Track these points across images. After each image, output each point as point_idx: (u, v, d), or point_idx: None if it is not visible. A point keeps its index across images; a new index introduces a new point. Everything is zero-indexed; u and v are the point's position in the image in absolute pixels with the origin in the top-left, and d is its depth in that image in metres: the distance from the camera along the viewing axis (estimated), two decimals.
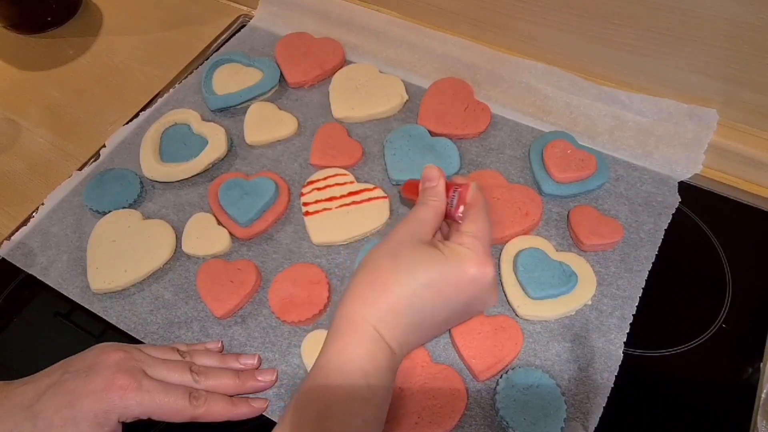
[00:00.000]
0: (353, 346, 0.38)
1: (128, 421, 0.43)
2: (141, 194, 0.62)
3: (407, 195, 0.47)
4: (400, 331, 0.39)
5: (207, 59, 0.74)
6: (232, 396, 0.48)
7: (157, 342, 0.53)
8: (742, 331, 0.51)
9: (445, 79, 0.67)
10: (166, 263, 0.57)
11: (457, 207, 0.43)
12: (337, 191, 0.59)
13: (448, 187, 0.44)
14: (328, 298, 0.53)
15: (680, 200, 0.58)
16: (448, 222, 0.46)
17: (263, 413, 0.48)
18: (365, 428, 0.36)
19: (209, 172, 0.63)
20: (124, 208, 0.60)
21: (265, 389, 0.50)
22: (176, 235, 0.59)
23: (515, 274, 0.53)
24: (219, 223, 0.59)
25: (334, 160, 0.62)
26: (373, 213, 0.57)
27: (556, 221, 0.57)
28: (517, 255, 0.54)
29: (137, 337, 0.54)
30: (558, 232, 0.57)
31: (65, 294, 0.57)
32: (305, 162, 0.63)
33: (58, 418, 0.41)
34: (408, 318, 0.39)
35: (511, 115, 0.65)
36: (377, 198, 0.58)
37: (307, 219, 0.58)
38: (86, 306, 0.56)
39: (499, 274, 0.54)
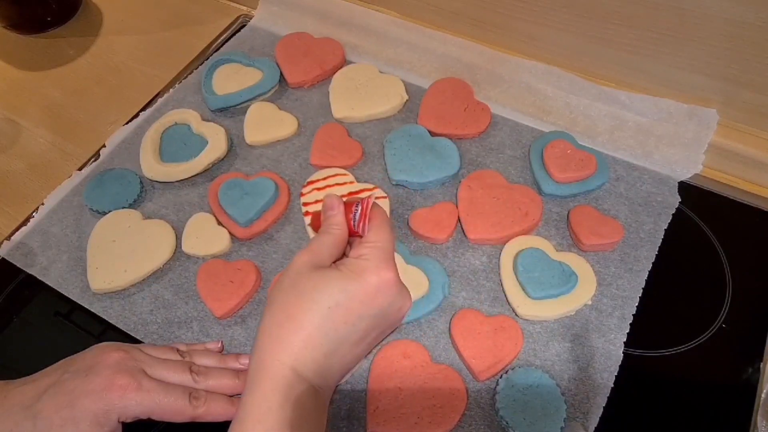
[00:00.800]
0: (272, 394, 0.36)
1: (128, 421, 0.43)
2: (141, 194, 0.62)
3: (314, 228, 0.47)
4: (319, 364, 0.38)
5: (207, 59, 0.74)
6: (232, 396, 0.48)
7: (156, 342, 0.53)
8: (742, 331, 0.51)
9: (445, 79, 0.67)
10: (166, 263, 0.57)
11: (359, 223, 0.42)
12: (336, 191, 0.59)
13: (348, 207, 0.44)
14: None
15: (680, 200, 0.58)
16: (350, 242, 0.45)
17: None
18: None
19: (209, 172, 0.63)
20: (124, 208, 0.60)
21: None
22: (176, 235, 0.59)
23: (515, 274, 0.53)
24: (219, 223, 0.59)
25: (334, 160, 0.62)
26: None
27: (556, 221, 0.57)
28: (517, 255, 0.54)
29: (137, 337, 0.54)
30: (558, 232, 0.57)
31: (65, 294, 0.57)
32: (305, 162, 0.63)
33: (58, 417, 0.41)
34: (325, 346, 0.38)
35: (511, 115, 0.65)
36: (378, 198, 0.58)
37: (307, 218, 0.58)
38: (86, 306, 0.56)
39: (498, 274, 0.54)
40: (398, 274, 0.40)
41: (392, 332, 0.45)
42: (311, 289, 0.39)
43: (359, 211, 0.43)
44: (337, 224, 0.43)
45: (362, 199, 0.43)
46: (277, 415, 0.36)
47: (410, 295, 0.42)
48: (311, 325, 0.38)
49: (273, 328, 0.39)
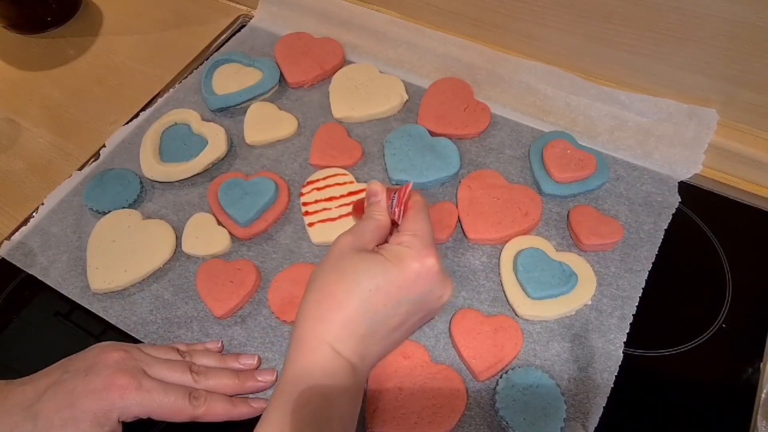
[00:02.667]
0: (311, 367, 0.37)
1: (128, 420, 0.43)
2: (141, 194, 0.62)
3: (355, 215, 0.48)
4: (357, 342, 0.38)
5: (207, 59, 0.74)
6: (232, 396, 0.48)
7: (156, 342, 0.53)
8: (742, 331, 0.51)
9: (445, 79, 0.67)
10: (166, 263, 0.57)
11: (396, 209, 0.43)
12: (336, 191, 0.59)
13: (389, 193, 0.44)
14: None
15: (680, 200, 0.58)
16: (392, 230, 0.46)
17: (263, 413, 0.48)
18: None
19: (209, 172, 0.63)
20: (124, 208, 0.60)
21: (265, 389, 0.50)
22: (176, 235, 0.59)
23: (515, 274, 0.53)
24: (219, 223, 0.59)
25: (334, 160, 0.62)
26: None
27: (556, 221, 0.57)
28: (517, 255, 0.54)
29: (137, 337, 0.54)
30: (558, 232, 0.57)
31: (65, 294, 0.57)
32: (305, 162, 0.63)
33: (58, 417, 0.41)
34: (363, 328, 0.38)
35: (511, 115, 0.65)
36: None
37: (307, 218, 0.58)
38: (86, 306, 0.56)
39: (499, 274, 0.54)
40: (440, 262, 0.41)
41: (431, 319, 0.45)
42: (353, 270, 0.39)
43: (396, 198, 0.43)
44: (380, 210, 0.44)
45: (401, 186, 0.44)
46: (317, 387, 0.37)
47: (452, 283, 0.42)
48: (351, 306, 0.38)
49: (314, 306, 0.39)
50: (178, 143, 0.65)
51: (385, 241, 0.44)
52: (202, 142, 0.64)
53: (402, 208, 0.43)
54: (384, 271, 0.39)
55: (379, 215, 0.43)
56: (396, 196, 0.43)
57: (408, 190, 0.43)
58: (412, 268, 0.39)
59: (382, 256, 0.40)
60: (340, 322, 0.38)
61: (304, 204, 0.59)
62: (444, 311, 0.50)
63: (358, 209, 0.46)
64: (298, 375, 0.38)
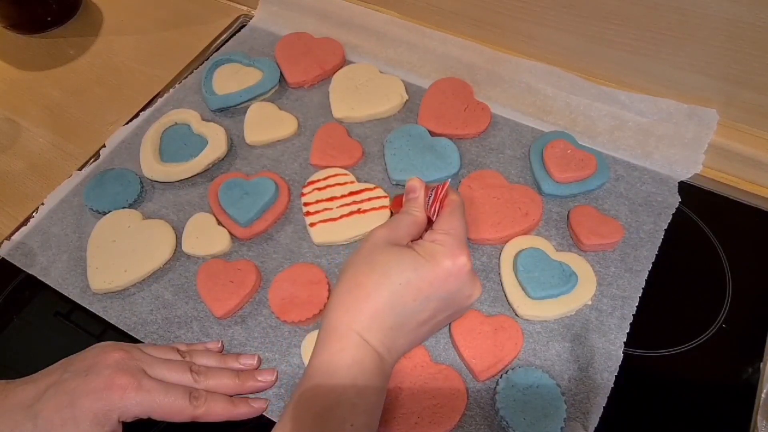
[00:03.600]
0: (340, 354, 0.38)
1: (128, 420, 0.43)
2: (141, 194, 0.62)
3: (395, 208, 0.48)
4: (385, 334, 0.39)
5: (207, 59, 0.74)
6: (232, 396, 0.48)
7: (156, 342, 0.53)
8: (742, 331, 0.51)
9: (445, 79, 0.67)
10: (166, 263, 0.57)
11: (432, 206, 0.43)
12: (337, 191, 0.59)
13: (427, 191, 0.45)
14: (328, 298, 0.53)
15: (680, 200, 0.58)
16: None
17: (263, 413, 0.48)
18: None
19: (209, 172, 0.63)
20: (124, 208, 0.60)
21: (265, 389, 0.50)
22: (176, 235, 0.59)
23: (515, 274, 0.53)
24: (219, 223, 0.59)
25: (334, 160, 0.62)
26: (374, 217, 0.57)
27: (556, 221, 0.57)
28: (517, 255, 0.54)
29: (137, 337, 0.54)
30: (558, 232, 0.57)
31: (65, 294, 0.57)
32: (305, 162, 0.63)
33: (59, 417, 0.41)
34: (391, 320, 0.39)
35: (511, 115, 0.65)
36: (378, 198, 0.58)
37: (308, 218, 0.58)
38: (86, 306, 0.56)
39: (499, 274, 0.54)
40: (471, 262, 0.41)
41: (458, 318, 0.45)
42: (384, 263, 0.40)
43: (433, 196, 0.44)
44: (417, 206, 0.44)
45: (439, 185, 0.44)
46: (344, 372, 0.37)
47: (481, 285, 0.43)
48: (380, 298, 0.39)
49: (344, 296, 0.40)
50: (178, 143, 0.65)
51: (420, 237, 0.44)
52: (202, 142, 0.64)
53: (438, 205, 0.43)
54: (415, 266, 0.39)
55: (416, 211, 0.44)
56: (433, 193, 0.44)
57: (445, 188, 0.44)
58: (444, 265, 0.40)
59: (414, 252, 0.40)
60: (368, 313, 0.38)
61: (305, 204, 0.59)
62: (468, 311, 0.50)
63: (397, 204, 0.47)
64: (327, 361, 0.38)
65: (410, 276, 0.39)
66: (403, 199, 0.46)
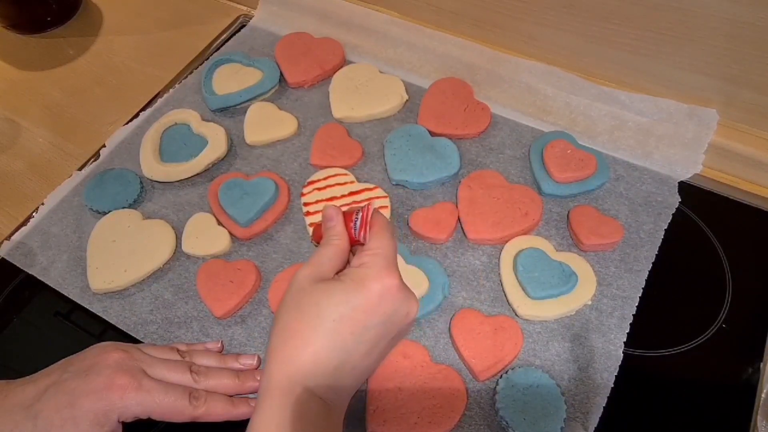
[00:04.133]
0: (282, 413, 0.36)
1: (128, 420, 0.43)
2: (141, 194, 0.62)
3: (315, 240, 0.47)
4: (330, 378, 0.38)
5: (207, 59, 0.74)
6: (231, 396, 0.48)
7: (156, 342, 0.53)
8: (742, 331, 0.51)
9: (445, 79, 0.67)
10: (166, 263, 0.57)
11: (360, 230, 0.42)
12: (337, 191, 0.59)
13: (349, 216, 0.43)
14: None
15: (680, 200, 0.58)
16: (353, 251, 0.44)
17: None
18: None
19: (209, 172, 0.63)
20: (124, 208, 0.60)
21: None
22: (176, 235, 0.59)
23: (515, 274, 0.53)
24: (219, 223, 0.59)
25: (334, 160, 0.62)
26: None
27: (556, 221, 0.57)
28: (517, 255, 0.54)
29: (137, 337, 0.54)
30: (558, 232, 0.57)
31: (65, 294, 0.57)
32: (305, 162, 0.63)
33: (59, 417, 0.41)
34: (334, 361, 0.37)
35: (511, 115, 0.65)
36: (378, 198, 0.58)
37: (308, 218, 0.58)
38: (86, 306, 0.56)
39: (499, 274, 0.54)
40: (401, 279, 0.40)
41: (402, 339, 0.44)
42: (314, 304, 0.38)
43: (359, 219, 0.42)
44: (337, 235, 0.42)
45: (362, 207, 0.43)
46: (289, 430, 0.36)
47: (417, 299, 0.41)
48: (318, 341, 0.37)
49: (280, 347, 0.38)
50: (178, 143, 0.65)
51: (348, 264, 0.42)
52: (202, 142, 0.64)
53: (366, 228, 0.42)
54: (346, 298, 0.38)
55: (336, 239, 0.42)
56: (359, 217, 0.42)
57: (370, 211, 0.42)
58: (374, 289, 0.38)
59: (341, 283, 0.39)
60: (309, 360, 0.37)
61: (306, 204, 0.59)
62: (413, 329, 0.50)
63: (317, 233, 0.45)
64: (269, 420, 0.36)
65: (342, 310, 0.37)
66: (322, 229, 0.44)
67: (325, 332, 0.37)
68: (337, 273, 0.41)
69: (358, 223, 0.42)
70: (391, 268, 0.39)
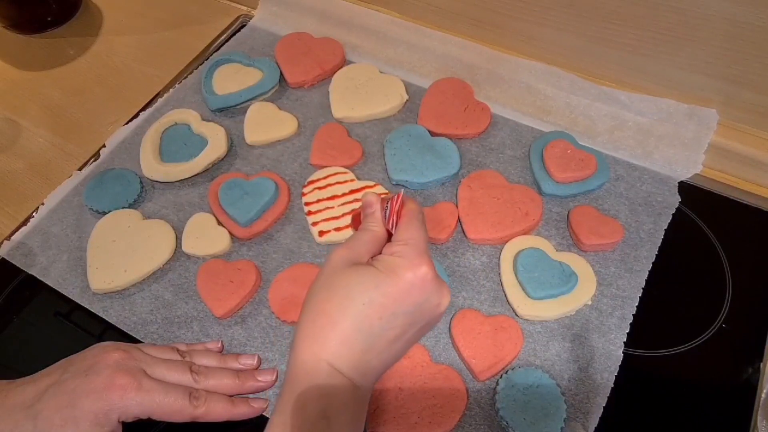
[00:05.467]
0: (309, 388, 0.37)
1: (128, 420, 0.43)
2: (141, 194, 0.62)
3: (353, 226, 0.47)
4: (356, 359, 0.38)
5: (207, 59, 0.74)
6: (232, 396, 0.48)
7: (156, 342, 0.53)
8: (742, 331, 0.51)
9: (445, 79, 0.67)
10: (166, 263, 0.57)
11: (389, 219, 0.42)
12: (338, 189, 0.59)
13: (384, 204, 0.44)
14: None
15: (680, 200, 0.58)
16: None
17: (263, 413, 0.48)
18: None
19: (209, 172, 0.63)
20: (124, 208, 0.60)
21: (265, 389, 0.50)
22: (176, 235, 0.59)
23: (515, 274, 0.53)
24: (219, 223, 0.59)
25: (334, 160, 0.62)
26: None
27: (556, 221, 0.57)
28: (517, 255, 0.54)
29: (137, 337, 0.54)
30: (558, 232, 0.57)
31: (65, 294, 0.57)
32: (305, 162, 0.63)
33: (59, 417, 0.41)
34: (361, 344, 0.38)
35: (511, 115, 0.65)
36: (379, 195, 0.58)
37: (310, 218, 0.58)
38: (86, 306, 0.56)
39: (499, 274, 0.54)
40: (434, 269, 0.40)
41: (431, 329, 0.45)
42: (345, 286, 0.39)
43: (389, 208, 0.43)
44: (375, 221, 0.43)
45: (393, 197, 0.43)
46: (315, 406, 0.36)
47: (449, 291, 0.41)
48: (345, 322, 0.38)
49: (309, 325, 0.39)
50: (178, 143, 0.65)
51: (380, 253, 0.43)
52: (202, 142, 0.64)
53: (395, 217, 0.42)
54: (376, 283, 0.38)
55: (374, 226, 0.43)
56: (389, 205, 0.43)
57: (399, 199, 0.43)
58: (406, 278, 0.38)
59: (374, 268, 0.39)
60: (336, 340, 0.37)
61: (307, 204, 0.59)
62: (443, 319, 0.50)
63: (356, 220, 0.46)
64: (297, 395, 0.37)
65: (372, 294, 0.38)
66: (361, 216, 0.45)
67: (353, 314, 0.38)
68: (371, 258, 0.41)
69: (388, 211, 0.43)
70: (423, 257, 0.39)
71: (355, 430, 0.38)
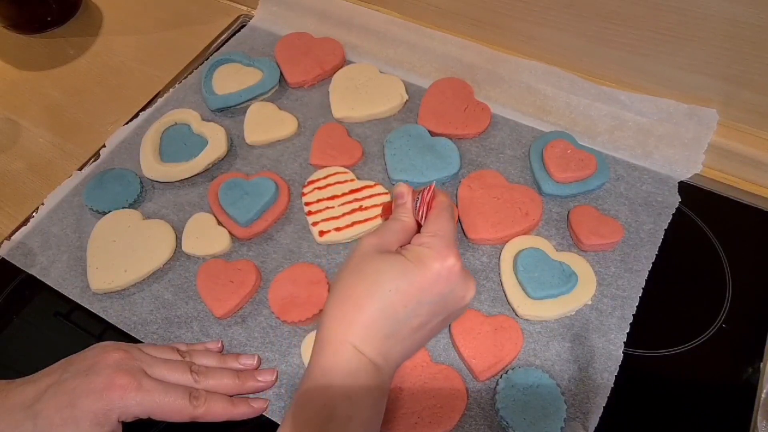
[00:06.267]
0: (334, 367, 0.38)
1: (128, 420, 0.43)
2: (141, 194, 0.62)
3: (384, 216, 0.47)
4: (380, 344, 0.39)
5: (207, 59, 0.74)
6: (232, 396, 0.48)
7: (156, 342, 0.53)
8: (742, 331, 0.51)
9: (445, 79, 0.67)
10: (166, 263, 0.57)
11: (419, 210, 0.43)
12: (338, 189, 0.59)
13: (415, 195, 0.45)
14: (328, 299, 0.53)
15: (680, 200, 0.58)
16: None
17: (263, 413, 0.48)
18: None
19: (209, 172, 0.63)
20: (124, 208, 0.60)
21: (265, 389, 0.50)
22: (176, 235, 0.59)
23: (515, 274, 0.53)
24: (219, 223, 0.59)
25: (334, 160, 0.62)
26: (376, 213, 0.58)
27: (556, 221, 0.57)
28: (517, 255, 0.54)
29: (137, 337, 0.54)
30: (558, 232, 0.57)
31: (65, 294, 0.57)
32: (305, 162, 0.63)
33: (59, 417, 0.41)
34: (385, 329, 0.39)
35: (511, 115, 0.65)
36: (379, 194, 0.58)
37: (310, 218, 0.58)
38: (86, 306, 0.56)
39: (499, 274, 0.54)
40: (462, 262, 0.41)
41: (455, 320, 0.45)
42: (374, 272, 0.39)
43: (420, 199, 0.43)
44: (405, 211, 0.44)
45: (425, 188, 0.44)
46: (339, 386, 0.37)
47: (475, 284, 0.42)
48: (372, 307, 0.38)
49: (336, 308, 0.39)
50: (178, 143, 0.65)
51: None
52: (202, 142, 0.64)
53: (425, 208, 0.43)
54: (404, 272, 0.39)
55: (405, 216, 0.44)
56: (420, 196, 0.44)
57: (431, 191, 0.43)
58: (433, 268, 0.39)
59: (403, 257, 0.40)
60: (362, 323, 0.38)
61: (307, 204, 0.59)
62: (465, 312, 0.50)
63: (387, 211, 0.47)
64: (321, 375, 0.38)
65: (399, 283, 0.39)
66: (392, 206, 0.46)
67: (379, 300, 0.38)
68: (400, 248, 0.42)
69: (419, 202, 0.43)
70: (451, 249, 0.40)
71: (376, 414, 0.39)
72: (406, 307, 0.39)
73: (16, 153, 0.69)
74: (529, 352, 0.50)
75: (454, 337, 0.50)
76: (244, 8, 0.81)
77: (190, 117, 0.66)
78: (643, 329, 0.51)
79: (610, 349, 0.50)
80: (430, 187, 0.44)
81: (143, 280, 0.57)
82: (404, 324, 0.39)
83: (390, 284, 0.39)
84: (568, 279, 0.52)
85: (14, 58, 0.78)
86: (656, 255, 0.55)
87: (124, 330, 0.54)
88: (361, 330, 0.38)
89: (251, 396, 0.49)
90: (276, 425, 0.48)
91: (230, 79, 0.70)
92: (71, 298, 0.56)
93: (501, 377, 0.48)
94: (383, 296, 0.38)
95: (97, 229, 0.59)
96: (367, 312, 0.38)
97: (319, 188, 0.60)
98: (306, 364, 0.50)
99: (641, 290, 0.53)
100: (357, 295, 0.39)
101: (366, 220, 0.57)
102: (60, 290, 0.57)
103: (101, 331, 0.55)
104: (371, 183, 0.60)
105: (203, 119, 0.67)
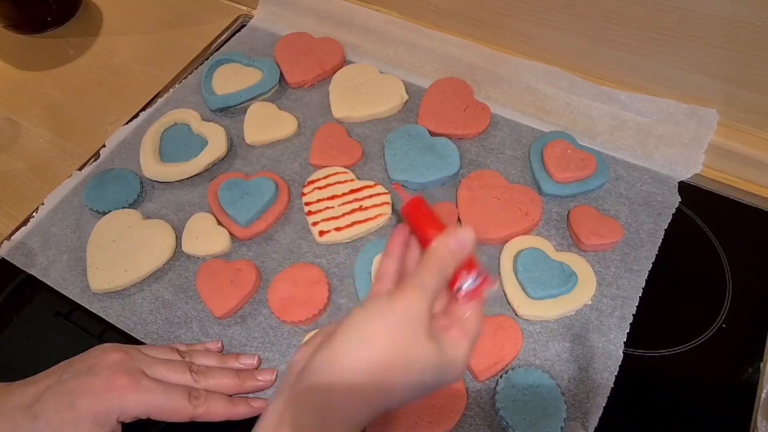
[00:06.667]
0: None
1: (128, 421, 0.43)
2: (141, 194, 0.62)
3: (408, 215, 0.40)
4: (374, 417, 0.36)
5: (207, 59, 0.74)
6: (231, 396, 0.48)
7: (157, 342, 0.53)
8: (742, 331, 0.51)
9: (445, 79, 0.67)
10: (166, 263, 0.57)
11: (470, 294, 0.37)
12: (338, 189, 0.59)
13: (471, 263, 0.37)
14: (328, 298, 0.53)
15: (680, 200, 0.58)
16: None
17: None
18: None
19: (209, 172, 0.63)
20: (124, 208, 0.60)
21: (265, 389, 0.50)
22: (176, 235, 0.59)
23: (515, 274, 0.53)
24: (219, 223, 0.59)
25: (334, 160, 0.62)
26: (376, 213, 0.58)
27: (556, 221, 0.57)
28: (517, 255, 0.54)
29: (137, 337, 0.54)
30: (558, 232, 0.57)
31: (65, 294, 0.57)
32: (305, 162, 0.63)
33: (58, 418, 0.41)
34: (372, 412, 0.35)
35: (511, 115, 0.65)
36: (378, 194, 0.58)
37: (310, 218, 0.58)
38: (86, 306, 0.56)
39: (499, 274, 0.54)
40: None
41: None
42: (421, 370, 0.34)
43: (478, 283, 0.37)
44: (454, 265, 0.37)
45: (486, 273, 0.38)
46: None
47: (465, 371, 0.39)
48: (398, 402, 0.35)
49: (366, 389, 0.34)
50: (178, 143, 0.65)
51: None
52: (202, 142, 0.64)
53: (473, 296, 0.37)
54: (432, 370, 0.34)
55: (452, 269, 0.36)
56: (478, 281, 0.37)
57: (489, 283, 0.37)
58: (449, 378, 0.36)
59: (439, 350, 0.34)
60: (380, 415, 0.35)
61: (307, 204, 0.59)
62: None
63: (415, 213, 0.39)
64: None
65: (426, 379, 0.35)
66: (438, 236, 0.37)
67: (403, 390, 0.35)
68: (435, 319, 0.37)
69: (474, 283, 0.37)
70: (468, 360, 0.37)
71: None
72: (403, 392, 0.35)
73: (16, 153, 0.69)
74: (529, 352, 0.50)
75: None
76: (244, 8, 0.81)
77: (190, 117, 0.66)
78: (643, 329, 0.51)
79: (610, 349, 0.50)
80: (495, 280, 0.38)
81: (143, 280, 0.57)
82: (400, 403, 0.36)
83: (417, 379, 0.34)
84: (568, 279, 0.52)
85: (14, 58, 0.78)
86: (656, 255, 0.55)
87: (124, 330, 0.54)
88: (367, 419, 0.35)
89: (251, 396, 0.49)
90: None
91: (230, 79, 0.70)
92: (71, 298, 0.56)
93: (501, 377, 0.48)
94: (414, 392, 0.35)
95: (97, 229, 0.59)
96: (391, 406, 0.35)
97: (319, 188, 0.60)
98: None
99: (641, 290, 0.53)
100: (395, 388, 0.34)
101: (366, 220, 0.57)
102: (60, 290, 0.57)
103: (101, 331, 0.55)
104: (371, 183, 0.60)
105: (203, 119, 0.67)
